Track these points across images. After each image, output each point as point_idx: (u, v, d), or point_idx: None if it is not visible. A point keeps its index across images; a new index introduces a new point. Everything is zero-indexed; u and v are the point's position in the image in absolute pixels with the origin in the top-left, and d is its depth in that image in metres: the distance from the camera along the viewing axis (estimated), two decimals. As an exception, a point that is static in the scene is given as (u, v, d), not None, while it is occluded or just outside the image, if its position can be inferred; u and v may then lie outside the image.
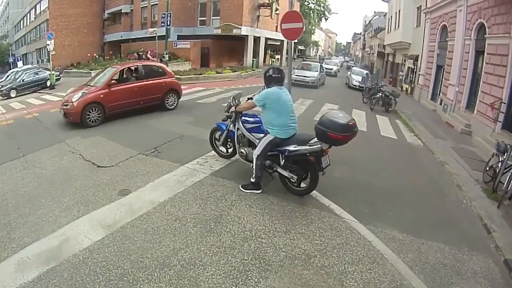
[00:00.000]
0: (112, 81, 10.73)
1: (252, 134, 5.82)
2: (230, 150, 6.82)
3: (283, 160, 5.30)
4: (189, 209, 4.93)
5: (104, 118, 10.44)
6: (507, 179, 5.99)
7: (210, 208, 4.96)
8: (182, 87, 13.03)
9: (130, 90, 11.12)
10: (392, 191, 6.19)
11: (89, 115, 10.23)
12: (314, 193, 5.50)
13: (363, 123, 11.83)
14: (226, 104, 6.33)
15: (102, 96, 10.48)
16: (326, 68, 35.42)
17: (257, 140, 5.55)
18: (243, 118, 6.03)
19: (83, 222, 4.78)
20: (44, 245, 4.43)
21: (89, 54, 36.93)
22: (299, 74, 21.88)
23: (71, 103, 10.23)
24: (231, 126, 6.30)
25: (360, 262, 3.94)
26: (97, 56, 36.02)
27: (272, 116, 5.16)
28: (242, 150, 5.99)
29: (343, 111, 5.24)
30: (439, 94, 16.84)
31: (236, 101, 6.15)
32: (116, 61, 31.43)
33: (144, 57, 26.86)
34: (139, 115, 10.96)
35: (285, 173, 5.36)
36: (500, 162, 6.59)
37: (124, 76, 11.51)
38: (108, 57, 34.95)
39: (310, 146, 5.00)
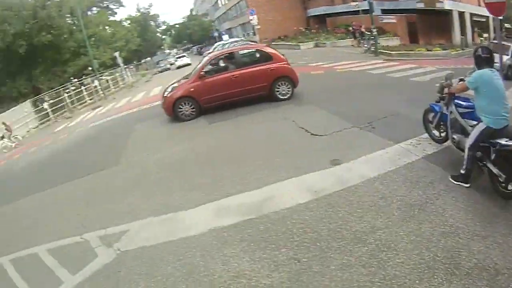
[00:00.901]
0: (202, 73, 10.08)
1: (465, 120, 5.30)
2: (442, 135, 6.28)
3: (493, 155, 4.65)
4: (397, 190, 4.83)
5: (200, 112, 10.15)
6: None
7: (417, 193, 4.75)
8: (393, 63, 11.93)
9: (225, 80, 10.10)
10: None
11: (181, 109, 10.02)
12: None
13: None
14: (438, 85, 5.90)
15: (192, 89, 9.98)
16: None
17: (470, 128, 5.02)
18: (456, 101, 5.49)
19: (291, 184, 5.24)
20: (247, 198, 5.06)
21: (294, 28, 39.20)
22: None
23: (164, 97, 10.23)
24: (444, 108, 5.86)
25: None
26: (303, 30, 37.73)
27: (484, 102, 4.56)
28: (454, 137, 5.50)
29: None
30: None
31: (449, 81, 5.67)
32: (323, 35, 32.36)
33: (358, 32, 26.20)
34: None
35: (494, 170, 4.70)
36: None
37: (219, 65, 10.71)
38: (314, 31, 36.27)
39: None
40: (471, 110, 5.16)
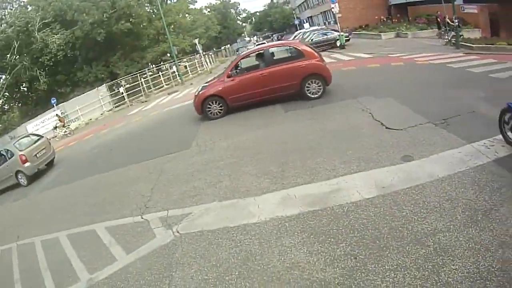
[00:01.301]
0: (230, 72, 10.12)
1: None
2: None
3: None
4: (464, 193, 4.54)
5: (228, 111, 10.30)
6: None
7: (483, 198, 4.42)
8: (473, 56, 10.95)
9: (253, 79, 10.05)
10: None
11: (209, 108, 10.18)
12: None
13: None
14: None
15: (220, 89, 10.07)
16: None
17: None
18: None
19: (359, 177, 5.23)
20: (314, 189, 5.11)
21: (376, 17, 37.63)
22: None
23: (195, 96, 10.44)
24: None
25: None
26: (384, 19, 36.46)
27: None
28: None
29: None
30: None
31: None
32: (404, 24, 31.38)
33: (443, 23, 24.51)
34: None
35: None
36: None
37: (249, 63, 10.57)
38: (396, 20, 34.83)
39: None
40: None
